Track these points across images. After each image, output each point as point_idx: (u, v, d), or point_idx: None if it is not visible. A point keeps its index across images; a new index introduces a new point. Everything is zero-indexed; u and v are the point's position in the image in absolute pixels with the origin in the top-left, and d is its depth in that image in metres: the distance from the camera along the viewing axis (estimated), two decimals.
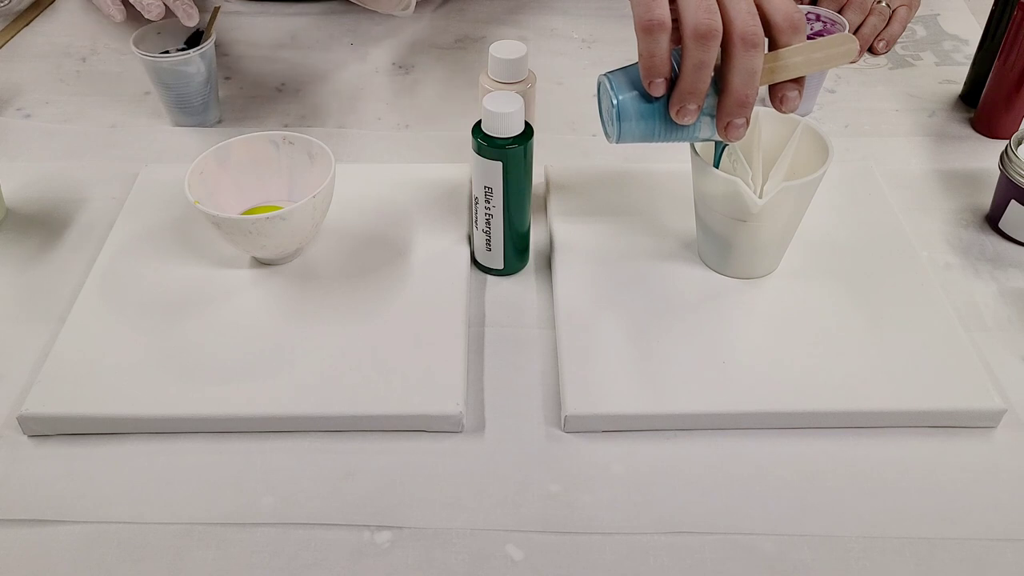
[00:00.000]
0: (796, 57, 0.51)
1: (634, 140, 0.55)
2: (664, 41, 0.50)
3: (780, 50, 0.52)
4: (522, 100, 0.57)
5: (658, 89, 0.52)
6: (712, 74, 0.51)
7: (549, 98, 0.85)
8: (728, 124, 0.52)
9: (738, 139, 0.53)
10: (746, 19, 0.49)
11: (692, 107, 0.52)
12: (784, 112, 0.53)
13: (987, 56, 0.81)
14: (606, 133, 0.56)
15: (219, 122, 0.82)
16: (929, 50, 0.94)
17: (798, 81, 0.53)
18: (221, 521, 0.51)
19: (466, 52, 0.93)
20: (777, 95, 0.53)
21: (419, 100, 0.86)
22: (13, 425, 0.56)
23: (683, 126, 0.53)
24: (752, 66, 0.50)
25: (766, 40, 0.51)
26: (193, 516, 0.51)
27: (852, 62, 0.90)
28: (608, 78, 0.54)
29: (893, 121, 0.83)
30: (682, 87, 0.51)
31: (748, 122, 0.52)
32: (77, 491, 0.53)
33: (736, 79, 0.50)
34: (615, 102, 0.53)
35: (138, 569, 0.49)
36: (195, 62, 0.76)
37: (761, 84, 0.52)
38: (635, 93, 0.53)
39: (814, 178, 0.57)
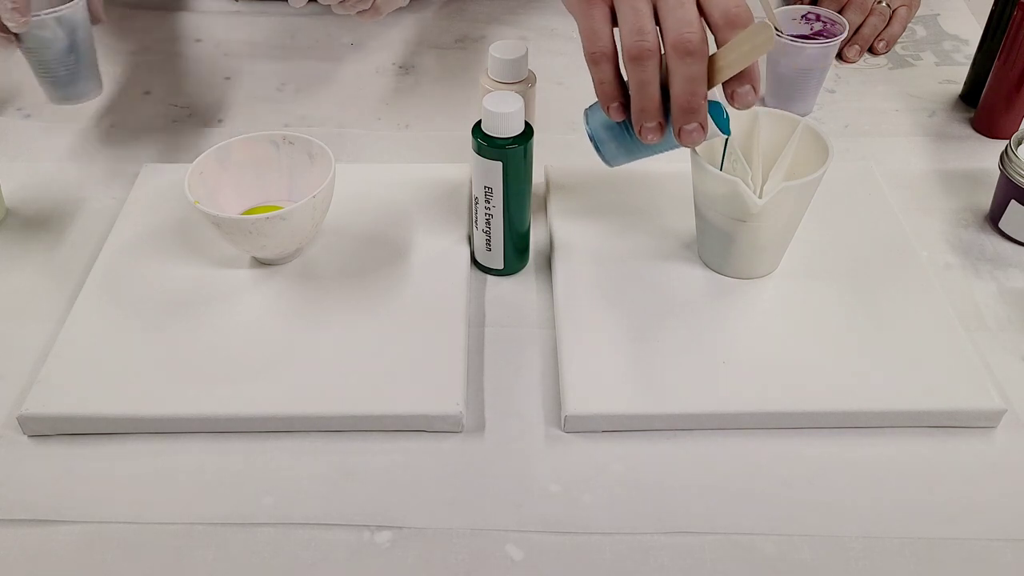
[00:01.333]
0: (731, 54, 0.51)
1: (624, 161, 0.58)
2: (609, 69, 0.53)
3: (720, 49, 0.51)
4: (522, 100, 0.57)
5: (616, 114, 0.54)
6: (658, 89, 0.52)
7: (549, 98, 0.85)
8: (680, 131, 0.53)
9: (694, 144, 0.53)
10: (678, 27, 0.50)
11: (651, 124, 0.53)
12: (738, 108, 0.52)
13: (987, 56, 0.81)
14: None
15: (93, 97, 0.74)
16: (929, 50, 0.94)
17: (747, 76, 0.51)
18: (221, 521, 0.51)
19: (466, 52, 0.93)
20: (728, 93, 0.52)
21: (419, 100, 0.86)
22: (13, 425, 0.56)
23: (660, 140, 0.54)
24: (689, 73, 0.50)
25: (710, 41, 0.51)
26: (193, 516, 0.51)
27: (853, 62, 0.91)
28: (585, 111, 0.58)
29: (893, 121, 0.83)
30: (634, 108, 0.53)
31: (704, 127, 0.52)
32: (77, 491, 0.53)
33: (676, 87, 0.51)
34: (589, 133, 0.57)
35: (138, 569, 0.49)
36: (49, 26, 0.67)
37: (711, 86, 0.52)
38: (606, 120, 0.56)
39: (814, 178, 0.57)
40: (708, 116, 0.53)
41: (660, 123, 0.53)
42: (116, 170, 0.76)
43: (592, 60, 0.53)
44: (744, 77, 0.51)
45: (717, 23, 0.51)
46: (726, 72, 0.51)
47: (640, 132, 0.54)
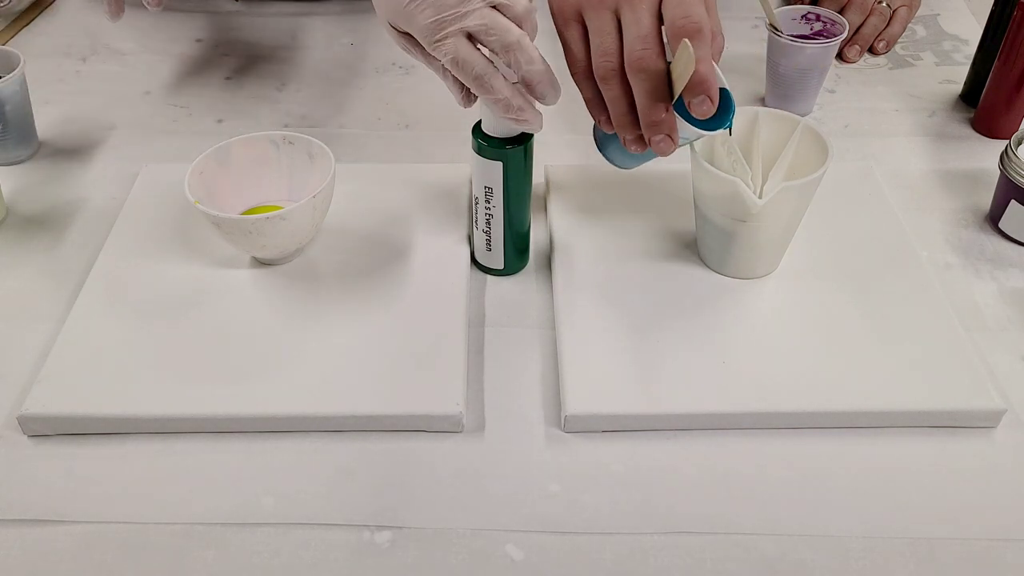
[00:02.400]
0: (676, 69, 0.51)
1: (634, 164, 0.63)
2: (591, 86, 0.56)
3: (672, 63, 0.52)
4: None
5: (607, 127, 0.57)
6: (628, 104, 0.54)
7: None
8: (649, 141, 0.54)
9: (664, 154, 0.54)
10: (632, 45, 0.52)
11: (630, 136, 0.55)
12: (698, 117, 0.52)
13: (987, 56, 0.81)
14: None
15: (23, 160, 0.78)
16: (929, 50, 0.94)
17: (700, 87, 0.51)
18: (221, 521, 0.51)
19: None
20: (686, 103, 0.52)
21: (419, 100, 0.86)
22: (13, 425, 0.56)
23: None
24: (645, 88, 0.52)
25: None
26: (193, 516, 0.51)
27: (853, 62, 0.91)
28: (594, 125, 0.60)
29: (893, 121, 0.83)
30: (614, 123, 0.56)
31: (672, 136, 0.54)
32: (77, 491, 0.53)
33: (637, 102, 0.53)
34: (597, 145, 0.62)
35: (138, 569, 0.49)
36: None
37: (674, 96, 0.52)
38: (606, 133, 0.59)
39: (814, 178, 0.57)
40: (677, 124, 0.53)
41: (639, 135, 0.55)
42: (116, 170, 0.76)
43: (576, 80, 0.56)
44: (696, 88, 0.51)
45: (668, 36, 0.52)
46: (678, 85, 0.52)
47: (625, 143, 0.56)
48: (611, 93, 0.54)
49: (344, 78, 0.89)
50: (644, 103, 0.53)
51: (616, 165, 0.62)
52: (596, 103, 0.57)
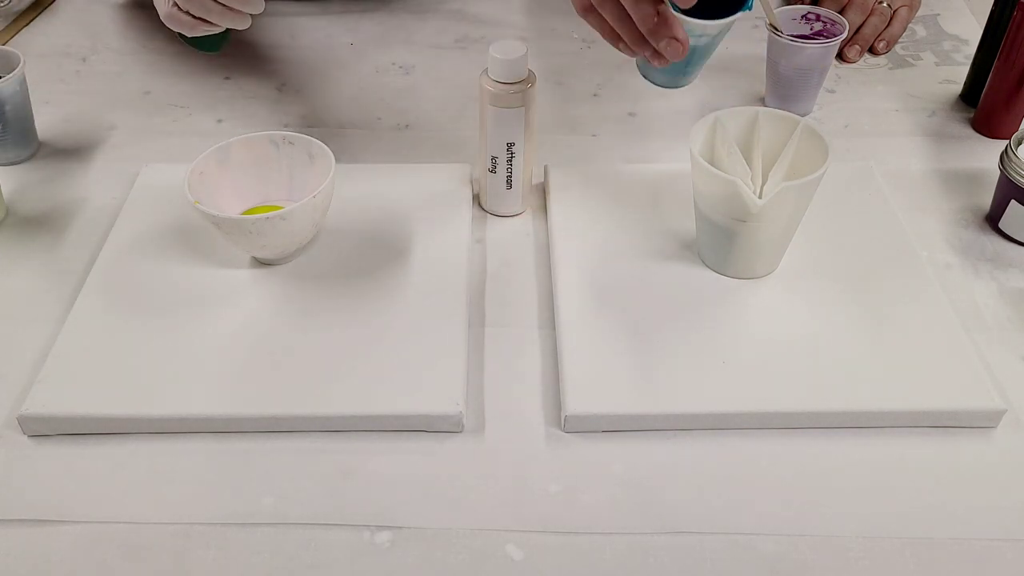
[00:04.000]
0: None
1: (677, 83, 0.65)
2: (595, 19, 0.59)
3: None
4: None
5: (628, 51, 0.59)
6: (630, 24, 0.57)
7: (549, 98, 0.85)
8: (657, 51, 0.57)
9: (676, 58, 0.57)
10: None
11: (647, 53, 0.58)
12: (683, 7, 0.55)
13: (987, 56, 0.81)
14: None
15: (23, 160, 0.78)
16: (929, 50, 0.94)
17: (668, 28, 0.54)
18: (221, 521, 0.51)
19: (466, 52, 0.93)
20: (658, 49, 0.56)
21: (419, 100, 0.86)
22: (13, 425, 0.56)
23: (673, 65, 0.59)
24: (639, 14, 0.55)
25: None
26: (193, 516, 0.51)
27: (853, 62, 0.91)
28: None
29: (893, 121, 0.83)
30: (628, 43, 0.58)
31: (678, 40, 0.56)
32: (77, 491, 0.53)
33: (632, 16, 0.56)
34: (642, 75, 0.65)
35: (138, 569, 0.49)
36: None
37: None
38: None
39: (814, 178, 0.57)
40: (695, 22, 0.56)
41: (654, 49, 0.57)
42: (116, 170, 0.76)
43: (582, 16, 0.59)
44: (665, 29, 0.55)
45: None
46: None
47: (648, 61, 0.58)
48: (611, 16, 0.56)
49: (344, 78, 0.89)
50: (636, 15, 0.55)
51: (660, 85, 0.64)
52: (608, 32, 0.58)
